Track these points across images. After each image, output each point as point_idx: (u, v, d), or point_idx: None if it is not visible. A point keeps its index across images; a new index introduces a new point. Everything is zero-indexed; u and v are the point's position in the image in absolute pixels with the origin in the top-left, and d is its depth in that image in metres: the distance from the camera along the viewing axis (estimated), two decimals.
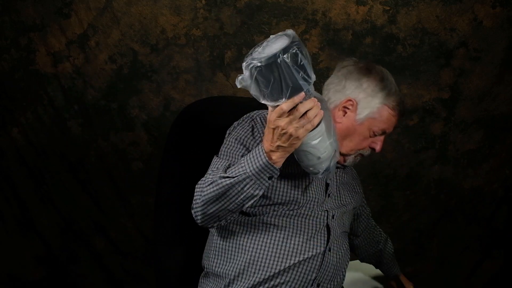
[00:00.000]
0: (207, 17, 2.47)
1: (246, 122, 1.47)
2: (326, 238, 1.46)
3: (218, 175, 1.32)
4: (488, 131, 2.60)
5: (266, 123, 1.38)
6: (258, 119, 1.47)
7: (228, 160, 1.41)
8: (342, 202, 1.57)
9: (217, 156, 1.44)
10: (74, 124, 2.59)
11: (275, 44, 1.18)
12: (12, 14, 2.47)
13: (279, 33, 1.20)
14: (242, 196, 1.30)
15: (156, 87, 2.55)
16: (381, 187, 2.66)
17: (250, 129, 1.44)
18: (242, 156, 1.40)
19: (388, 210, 2.69)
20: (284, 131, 1.21)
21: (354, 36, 2.48)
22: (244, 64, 1.16)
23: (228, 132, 1.49)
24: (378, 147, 1.51)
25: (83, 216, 2.65)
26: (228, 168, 1.36)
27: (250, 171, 1.28)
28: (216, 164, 1.42)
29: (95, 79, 2.54)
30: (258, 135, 1.43)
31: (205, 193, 1.32)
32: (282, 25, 2.45)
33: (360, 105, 1.49)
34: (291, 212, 1.44)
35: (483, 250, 2.71)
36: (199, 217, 1.35)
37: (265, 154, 1.26)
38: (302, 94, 1.16)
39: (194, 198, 1.35)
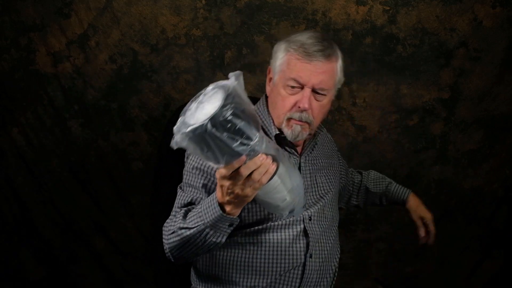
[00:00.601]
0: (207, 17, 2.47)
1: None
2: (305, 246, 1.42)
3: (178, 225, 1.29)
4: (488, 131, 2.59)
5: None
6: None
7: (191, 192, 1.38)
8: (320, 193, 1.51)
9: (181, 189, 1.42)
10: (74, 124, 2.59)
11: (208, 104, 1.04)
12: (12, 14, 2.47)
13: (220, 83, 1.06)
14: (205, 244, 1.27)
15: (156, 87, 2.55)
16: None
17: None
18: (202, 184, 1.37)
19: (388, 211, 2.69)
20: (229, 190, 1.14)
21: (354, 36, 2.48)
22: (175, 128, 1.05)
23: (186, 154, 1.45)
24: (302, 104, 1.38)
25: (83, 216, 2.65)
26: (191, 204, 1.34)
27: (208, 222, 1.24)
28: (180, 199, 1.39)
29: (95, 79, 2.54)
30: None
31: (169, 241, 1.31)
32: (282, 25, 2.45)
33: (272, 66, 1.45)
34: (265, 227, 1.39)
35: (483, 250, 2.71)
36: (171, 258, 1.35)
37: (218, 206, 1.21)
38: (243, 158, 1.06)
39: (163, 239, 1.35)
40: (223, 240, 1.27)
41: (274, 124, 1.46)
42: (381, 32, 2.48)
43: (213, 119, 1.00)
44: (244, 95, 1.05)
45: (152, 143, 2.60)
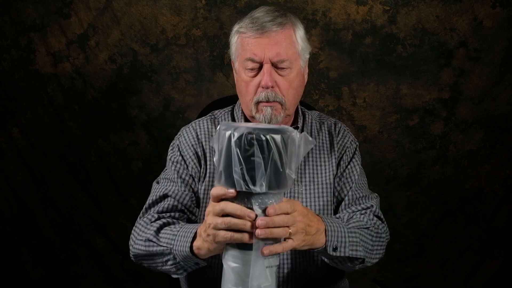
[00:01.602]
0: (207, 17, 2.47)
1: (175, 141, 1.39)
2: None
3: (148, 235, 1.20)
4: (489, 131, 2.59)
5: (190, 136, 1.33)
6: (184, 132, 1.38)
7: (167, 184, 1.31)
8: None
9: (157, 183, 1.35)
10: (74, 124, 2.59)
11: (271, 128, 0.95)
12: (12, 14, 2.47)
13: (296, 132, 0.97)
14: (165, 268, 1.19)
15: (156, 87, 2.55)
16: (382, 188, 2.65)
17: (177, 149, 1.36)
18: (177, 174, 1.31)
19: (389, 211, 2.68)
20: (206, 218, 1.00)
21: (354, 36, 2.48)
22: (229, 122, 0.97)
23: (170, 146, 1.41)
24: (264, 81, 1.24)
25: (83, 216, 2.65)
26: (166, 197, 1.27)
27: (175, 250, 1.13)
28: (154, 192, 1.31)
29: (95, 79, 2.54)
30: (187, 153, 1.34)
31: (135, 246, 1.23)
32: None
33: (231, 56, 1.35)
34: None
35: (484, 250, 2.70)
36: (133, 260, 1.28)
37: (189, 242, 1.10)
38: (232, 192, 0.93)
39: (130, 239, 1.27)
40: (184, 274, 1.19)
41: (245, 117, 1.37)
42: (381, 32, 2.48)
43: (246, 134, 0.91)
44: (292, 157, 0.94)
45: (152, 143, 2.60)
